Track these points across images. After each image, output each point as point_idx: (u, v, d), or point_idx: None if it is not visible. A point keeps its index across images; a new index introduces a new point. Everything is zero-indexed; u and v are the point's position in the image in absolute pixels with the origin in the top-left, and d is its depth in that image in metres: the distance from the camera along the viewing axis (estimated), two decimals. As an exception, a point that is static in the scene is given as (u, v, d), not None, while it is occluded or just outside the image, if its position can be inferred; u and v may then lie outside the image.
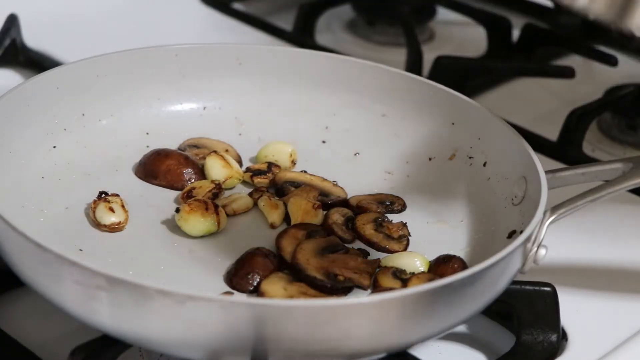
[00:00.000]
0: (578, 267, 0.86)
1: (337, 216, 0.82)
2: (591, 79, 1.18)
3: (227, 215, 0.82)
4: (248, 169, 0.88)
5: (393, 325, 0.66)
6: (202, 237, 0.80)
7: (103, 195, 0.81)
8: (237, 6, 1.29)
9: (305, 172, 0.88)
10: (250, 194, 0.85)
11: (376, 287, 0.75)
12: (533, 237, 0.73)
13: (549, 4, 1.28)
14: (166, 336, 0.65)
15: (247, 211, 0.84)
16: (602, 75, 1.17)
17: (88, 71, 0.89)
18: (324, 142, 0.93)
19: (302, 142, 0.92)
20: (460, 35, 1.28)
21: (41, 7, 1.19)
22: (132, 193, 0.84)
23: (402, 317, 0.66)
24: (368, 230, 0.81)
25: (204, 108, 0.94)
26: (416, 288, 0.68)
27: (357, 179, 0.89)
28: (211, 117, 0.93)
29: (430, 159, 0.90)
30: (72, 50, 1.06)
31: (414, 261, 0.78)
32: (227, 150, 0.89)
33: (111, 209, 0.80)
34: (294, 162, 0.90)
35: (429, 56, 1.11)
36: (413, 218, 0.84)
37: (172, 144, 0.90)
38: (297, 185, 0.86)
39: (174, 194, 0.85)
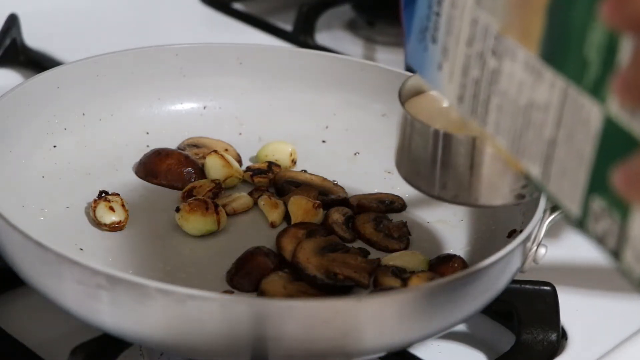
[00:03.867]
0: (578, 267, 0.86)
1: (337, 215, 0.82)
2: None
3: (227, 214, 0.82)
4: (248, 169, 0.88)
5: (393, 324, 0.66)
6: (202, 236, 0.80)
7: (103, 195, 0.81)
8: (237, 6, 1.29)
9: (305, 171, 0.88)
10: (251, 193, 0.85)
11: (376, 286, 0.75)
12: (533, 236, 0.73)
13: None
14: (166, 335, 0.65)
15: (247, 210, 0.84)
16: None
17: (88, 71, 0.89)
18: (324, 142, 0.93)
19: (302, 142, 0.92)
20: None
21: (41, 7, 1.18)
22: (132, 192, 0.84)
23: (402, 316, 0.66)
24: (368, 229, 0.81)
25: (204, 107, 0.94)
26: (416, 287, 0.68)
27: (357, 179, 0.88)
28: (211, 116, 0.93)
29: (430, 158, 0.90)
30: (72, 50, 1.06)
31: (414, 260, 0.77)
32: (227, 150, 0.89)
33: (111, 208, 0.80)
34: (294, 162, 0.90)
35: (428, 56, 1.11)
36: (413, 217, 0.84)
37: (172, 144, 0.90)
38: (297, 184, 0.86)
39: (174, 193, 0.85)
